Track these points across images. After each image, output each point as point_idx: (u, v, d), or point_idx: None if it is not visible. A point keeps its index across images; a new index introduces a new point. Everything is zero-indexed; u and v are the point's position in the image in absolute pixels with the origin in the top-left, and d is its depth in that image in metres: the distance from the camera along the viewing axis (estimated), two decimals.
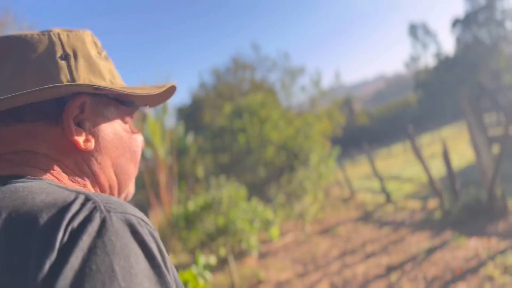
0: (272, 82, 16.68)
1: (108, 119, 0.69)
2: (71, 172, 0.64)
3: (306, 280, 5.57)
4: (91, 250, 0.42)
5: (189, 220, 4.86)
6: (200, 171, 10.59)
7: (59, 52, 0.65)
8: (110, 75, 0.71)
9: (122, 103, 0.72)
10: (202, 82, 18.01)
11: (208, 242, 4.62)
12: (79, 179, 0.65)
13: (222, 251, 4.42)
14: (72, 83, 0.61)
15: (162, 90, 0.73)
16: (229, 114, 9.17)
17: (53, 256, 0.41)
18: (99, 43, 0.74)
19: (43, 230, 0.44)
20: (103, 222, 0.45)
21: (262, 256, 7.85)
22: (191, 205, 5.02)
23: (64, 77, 0.63)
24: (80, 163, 0.65)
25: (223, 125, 9.00)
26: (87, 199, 0.48)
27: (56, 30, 0.67)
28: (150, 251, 0.46)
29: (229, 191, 5.15)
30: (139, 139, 0.77)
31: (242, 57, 17.49)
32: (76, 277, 0.39)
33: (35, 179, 0.57)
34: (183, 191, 9.62)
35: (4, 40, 0.64)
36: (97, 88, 0.62)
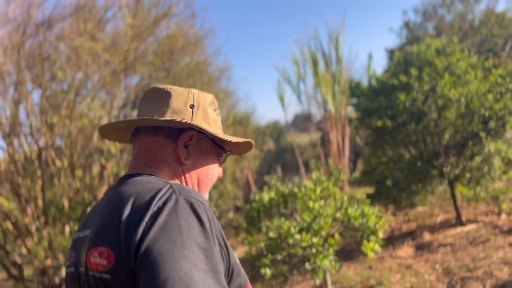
0: (501, 12, 12.83)
1: (203, 150, 1.11)
2: (173, 172, 1.06)
3: None
4: (169, 215, 0.79)
5: (254, 217, 3.85)
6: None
7: (190, 103, 1.09)
8: (215, 125, 1.13)
9: (215, 144, 1.12)
10: (406, 21, 15.25)
11: (267, 252, 3.53)
12: (176, 178, 1.06)
13: (268, 272, 3.27)
14: (190, 122, 1.03)
15: (241, 140, 1.16)
16: (394, 65, 7.16)
17: (147, 218, 0.79)
18: (216, 104, 1.18)
19: (145, 204, 0.83)
20: (176, 201, 0.82)
21: (420, 247, 6.14)
22: (266, 197, 3.97)
23: (187, 117, 1.06)
24: (179, 170, 1.07)
25: (383, 79, 7.11)
26: (170, 187, 0.87)
27: (193, 90, 1.11)
28: (202, 221, 0.81)
29: (312, 183, 3.86)
30: (218, 170, 1.17)
31: None
32: (160, 228, 0.77)
33: (149, 174, 0.99)
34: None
35: (166, 87, 1.09)
36: (202, 129, 1.04)
